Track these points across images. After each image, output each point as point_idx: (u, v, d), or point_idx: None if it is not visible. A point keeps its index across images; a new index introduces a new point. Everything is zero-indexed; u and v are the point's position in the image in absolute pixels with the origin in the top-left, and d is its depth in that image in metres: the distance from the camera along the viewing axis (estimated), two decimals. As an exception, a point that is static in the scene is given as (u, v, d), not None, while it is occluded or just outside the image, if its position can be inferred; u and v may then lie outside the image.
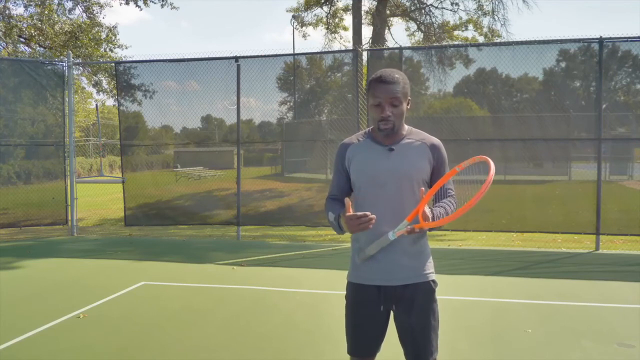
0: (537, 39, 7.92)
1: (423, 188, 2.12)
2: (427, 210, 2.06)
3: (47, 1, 14.19)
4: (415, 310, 2.19)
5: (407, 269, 2.19)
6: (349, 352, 2.30)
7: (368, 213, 2.00)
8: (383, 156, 2.21)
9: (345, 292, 2.32)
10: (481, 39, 18.96)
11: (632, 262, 6.96)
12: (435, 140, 2.28)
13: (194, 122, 11.03)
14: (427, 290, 2.22)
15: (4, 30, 13.34)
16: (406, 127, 2.27)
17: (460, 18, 19.53)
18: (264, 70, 9.29)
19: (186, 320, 4.58)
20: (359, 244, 2.22)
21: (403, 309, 2.20)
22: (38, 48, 14.71)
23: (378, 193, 2.18)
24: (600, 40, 7.65)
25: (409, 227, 2.05)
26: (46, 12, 14.03)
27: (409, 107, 2.23)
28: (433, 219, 2.06)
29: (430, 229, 2.10)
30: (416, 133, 2.28)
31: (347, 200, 2.10)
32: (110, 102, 17.66)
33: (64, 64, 9.85)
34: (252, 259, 7.28)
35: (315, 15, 21.86)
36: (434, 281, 2.25)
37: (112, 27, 14.99)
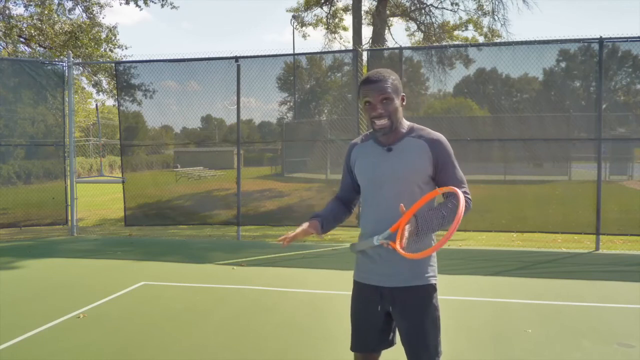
0: (537, 39, 7.92)
1: (403, 204, 2.01)
2: (407, 227, 1.98)
3: (47, 1, 14.18)
4: (409, 313, 2.15)
5: (406, 271, 2.14)
6: (350, 347, 2.34)
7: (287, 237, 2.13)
8: (381, 157, 2.18)
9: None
10: (481, 39, 18.99)
11: (632, 262, 6.96)
12: (436, 135, 2.19)
13: (194, 122, 11.06)
14: (424, 293, 2.15)
15: (4, 30, 13.33)
16: (407, 124, 2.21)
17: (460, 18, 19.56)
18: (264, 70, 9.29)
19: (186, 320, 4.58)
20: (364, 238, 2.21)
21: (398, 310, 2.17)
22: (38, 48, 14.69)
23: (377, 194, 2.17)
24: (600, 41, 7.65)
25: (385, 241, 2.01)
26: (46, 12, 14.02)
27: (404, 103, 2.17)
28: (412, 243, 2.00)
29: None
30: (418, 130, 2.20)
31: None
32: (110, 102, 17.66)
33: (64, 64, 9.85)
34: (252, 259, 7.28)
35: (315, 15, 21.89)
36: (432, 285, 2.17)
37: (112, 27, 15.00)
